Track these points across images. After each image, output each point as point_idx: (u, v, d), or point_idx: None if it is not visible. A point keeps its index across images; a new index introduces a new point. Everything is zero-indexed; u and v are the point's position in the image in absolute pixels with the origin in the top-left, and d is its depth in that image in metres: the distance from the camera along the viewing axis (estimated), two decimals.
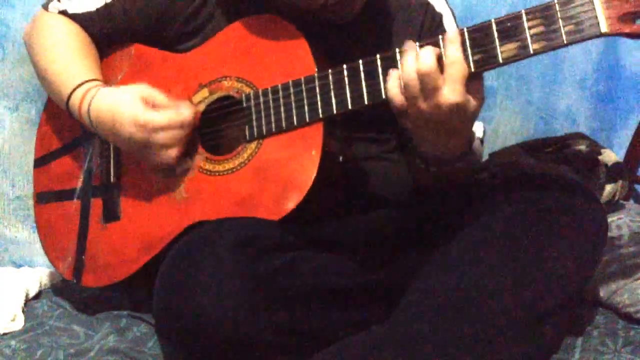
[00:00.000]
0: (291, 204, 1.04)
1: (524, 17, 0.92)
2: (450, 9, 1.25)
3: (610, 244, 1.28)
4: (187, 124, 1.10)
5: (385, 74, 1.00)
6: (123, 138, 1.11)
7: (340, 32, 1.16)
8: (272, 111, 1.08)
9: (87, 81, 1.16)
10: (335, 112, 1.04)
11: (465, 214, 1.06)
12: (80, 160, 1.26)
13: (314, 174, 1.03)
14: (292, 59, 1.08)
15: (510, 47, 0.94)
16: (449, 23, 1.23)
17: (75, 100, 1.15)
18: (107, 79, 1.21)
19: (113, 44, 1.24)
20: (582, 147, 1.54)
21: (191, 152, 1.14)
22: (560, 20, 0.91)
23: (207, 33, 1.18)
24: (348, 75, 1.03)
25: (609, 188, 1.48)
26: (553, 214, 1.01)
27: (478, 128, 1.23)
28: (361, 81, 1.02)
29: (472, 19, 1.57)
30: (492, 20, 0.94)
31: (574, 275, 1.00)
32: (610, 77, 1.77)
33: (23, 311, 1.26)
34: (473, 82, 0.96)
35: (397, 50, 1.00)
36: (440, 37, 0.97)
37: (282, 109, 1.07)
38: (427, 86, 0.94)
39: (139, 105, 1.09)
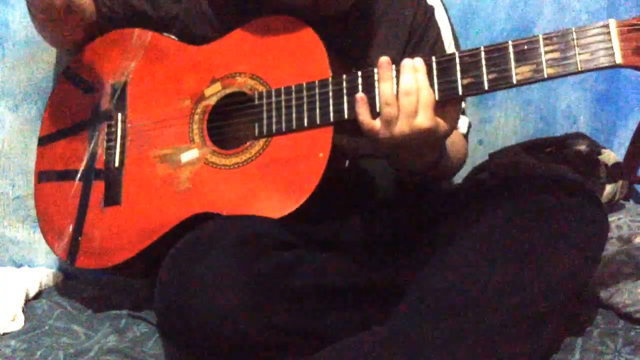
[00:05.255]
0: (294, 205, 1.04)
1: (541, 42, 0.93)
2: (442, 1, 1.26)
3: (610, 244, 1.28)
4: None
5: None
6: None
7: (332, 25, 1.16)
8: (283, 111, 1.09)
9: None
10: (346, 117, 1.04)
11: (465, 214, 1.06)
12: (85, 143, 1.26)
13: (320, 177, 1.04)
14: (307, 61, 1.09)
15: (525, 69, 0.95)
16: (440, 15, 1.24)
17: None
18: (122, 66, 1.22)
19: (128, 30, 1.25)
20: (582, 147, 1.54)
21: (199, 143, 1.14)
22: (576, 48, 0.92)
23: (197, 34, 1.19)
24: (362, 83, 1.03)
25: (609, 188, 1.48)
26: (553, 214, 1.01)
27: (462, 123, 1.23)
28: (375, 89, 1.02)
29: (472, 18, 1.57)
30: (510, 42, 0.95)
31: (574, 275, 1.00)
32: (610, 77, 1.77)
33: (23, 311, 1.26)
34: (447, 107, 0.99)
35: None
36: (405, 64, 0.98)
37: (293, 109, 1.08)
38: (407, 109, 0.96)
39: None
